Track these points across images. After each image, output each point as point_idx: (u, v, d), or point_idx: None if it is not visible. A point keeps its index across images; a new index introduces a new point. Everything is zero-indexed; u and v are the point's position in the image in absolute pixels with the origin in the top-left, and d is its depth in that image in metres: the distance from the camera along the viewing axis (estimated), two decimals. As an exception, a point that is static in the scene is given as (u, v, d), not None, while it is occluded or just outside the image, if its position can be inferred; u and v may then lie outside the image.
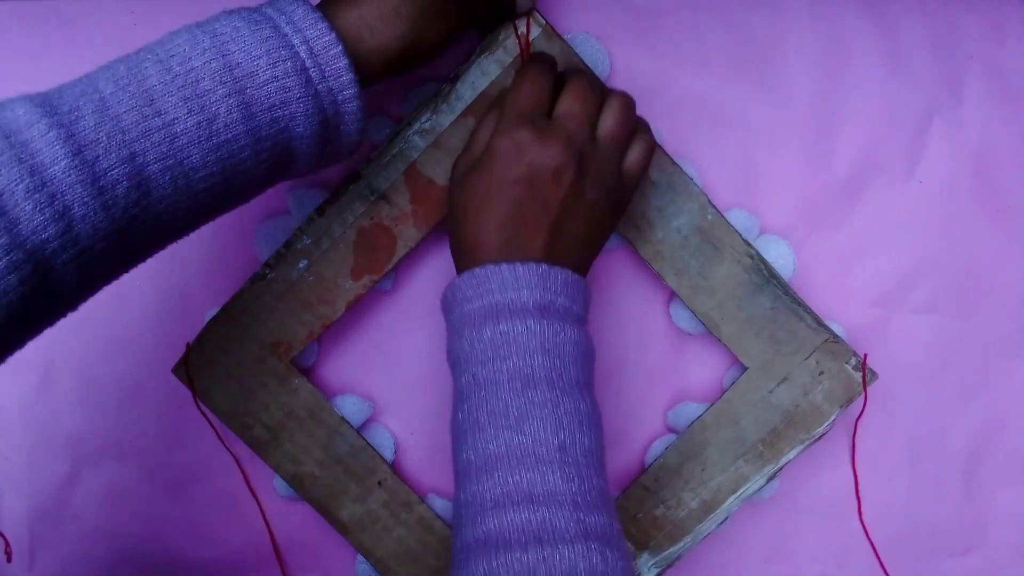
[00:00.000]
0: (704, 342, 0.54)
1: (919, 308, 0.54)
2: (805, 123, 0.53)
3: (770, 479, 0.51)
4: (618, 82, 0.51)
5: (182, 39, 0.37)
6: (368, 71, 0.41)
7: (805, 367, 0.51)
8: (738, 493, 0.51)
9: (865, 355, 0.51)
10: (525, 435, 0.38)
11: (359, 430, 0.52)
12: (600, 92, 0.44)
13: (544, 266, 0.41)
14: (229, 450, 0.54)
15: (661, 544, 0.52)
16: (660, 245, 0.50)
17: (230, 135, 0.37)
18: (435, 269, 0.53)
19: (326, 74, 0.39)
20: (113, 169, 0.35)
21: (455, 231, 0.44)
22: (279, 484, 0.53)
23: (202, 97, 0.36)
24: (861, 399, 0.51)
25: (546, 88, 0.43)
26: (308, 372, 0.53)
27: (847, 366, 0.50)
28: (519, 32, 0.47)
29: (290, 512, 0.55)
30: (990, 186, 0.53)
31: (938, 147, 0.53)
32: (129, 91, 0.35)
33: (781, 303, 0.50)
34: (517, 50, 0.48)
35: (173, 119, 0.36)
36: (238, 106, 0.37)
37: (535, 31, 0.48)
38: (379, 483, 0.52)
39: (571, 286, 0.41)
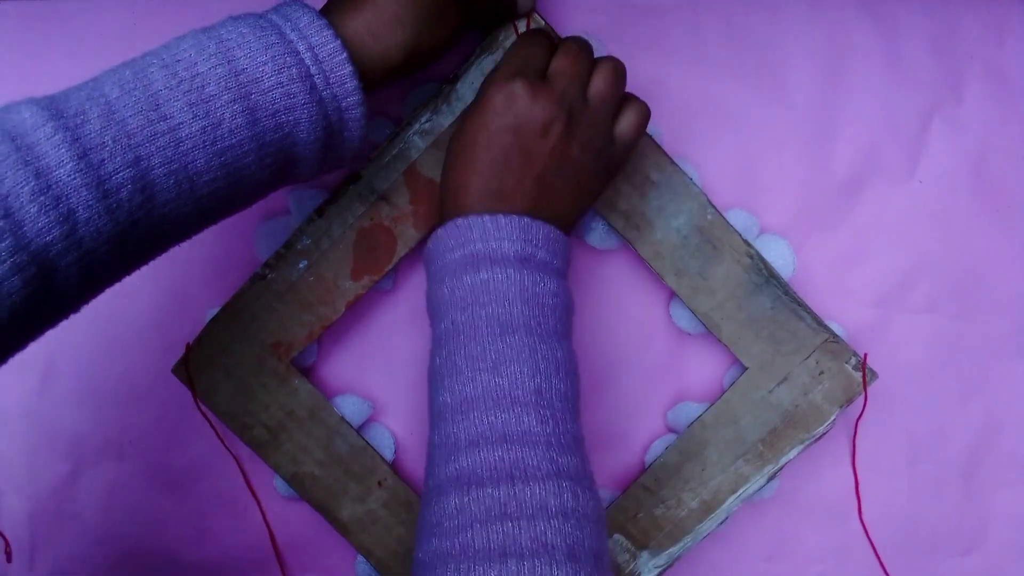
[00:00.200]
0: (704, 342, 0.54)
1: (919, 308, 0.54)
2: (805, 123, 0.53)
3: (770, 479, 0.51)
4: (618, 82, 0.51)
5: (188, 44, 0.37)
6: (372, 77, 0.41)
7: (805, 367, 0.51)
8: (738, 493, 0.51)
9: (865, 355, 0.51)
10: (502, 377, 0.38)
11: (359, 430, 0.52)
12: (592, 57, 0.44)
13: (527, 219, 0.41)
14: (229, 450, 0.54)
15: (661, 544, 0.52)
16: (660, 245, 0.50)
17: (234, 140, 0.37)
18: (435, 269, 0.53)
19: (330, 80, 0.39)
20: (118, 172, 0.35)
21: (442, 178, 0.44)
22: (279, 484, 0.53)
23: (207, 102, 0.37)
24: (861, 399, 0.51)
25: (542, 51, 0.43)
26: (308, 372, 0.53)
27: (847, 366, 0.50)
28: (519, 32, 0.47)
29: (290, 512, 0.55)
30: (990, 186, 0.53)
31: (938, 147, 0.53)
32: (135, 95, 0.36)
33: (781, 303, 0.50)
34: (517, 50, 0.48)
35: (178, 124, 0.36)
36: (243, 111, 0.37)
37: (536, 31, 0.48)
38: (379, 483, 0.52)
39: (553, 241, 0.42)
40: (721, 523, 0.52)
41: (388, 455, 0.53)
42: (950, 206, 0.53)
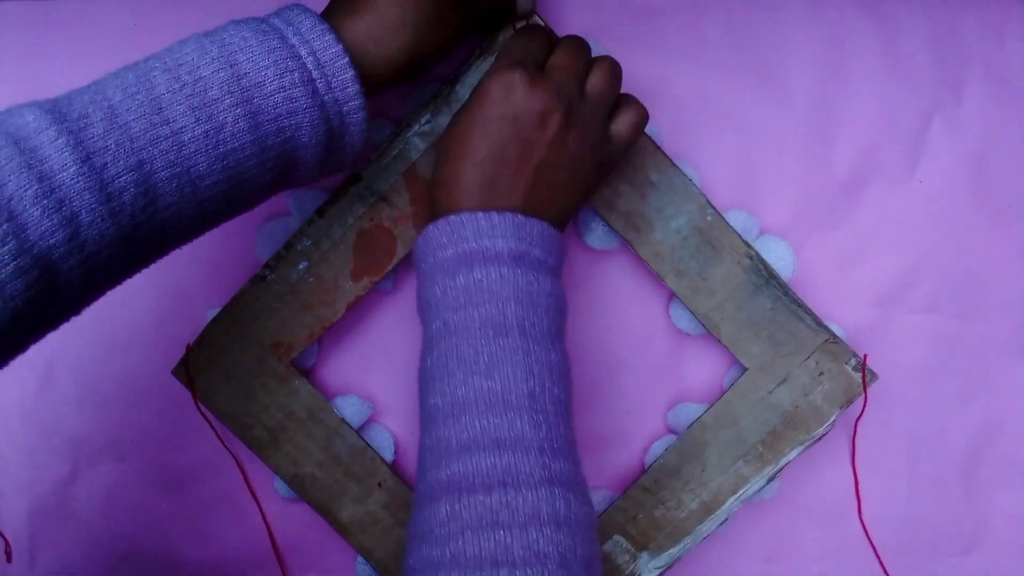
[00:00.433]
0: (704, 343, 0.54)
1: (919, 308, 0.54)
2: (805, 123, 0.53)
3: (770, 480, 0.51)
4: (618, 83, 0.51)
5: (190, 48, 0.37)
6: (374, 81, 0.41)
7: (805, 368, 0.51)
8: (738, 494, 0.51)
9: (865, 355, 0.51)
10: (495, 381, 0.38)
11: (359, 431, 0.52)
12: (589, 55, 0.44)
13: (521, 216, 0.40)
14: (229, 451, 0.54)
15: (661, 545, 0.52)
16: (659, 246, 0.50)
17: (237, 144, 0.37)
18: (435, 270, 0.53)
19: (332, 85, 0.39)
20: (121, 176, 0.35)
21: (435, 169, 0.43)
22: (279, 485, 0.53)
23: (210, 106, 0.37)
24: (861, 399, 0.51)
25: (540, 45, 0.43)
26: (308, 373, 0.53)
27: (847, 366, 0.50)
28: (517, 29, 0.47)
29: (290, 513, 0.55)
30: (990, 186, 0.53)
31: (938, 147, 0.53)
32: (138, 99, 0.36)
33: (781, 304, 0.50)
34: (518, 51, 0.48)
35: (181, 127, 0.36)
36: (245, 115, 0.37)
37: (536, 32, 0.47)
38: (379, 484, 0.52)
39: (547, 239, 0.41)
40: (721, 524, 0.52)
41: (388, 456, 0.53)
42: (950, 206, 0.53)
